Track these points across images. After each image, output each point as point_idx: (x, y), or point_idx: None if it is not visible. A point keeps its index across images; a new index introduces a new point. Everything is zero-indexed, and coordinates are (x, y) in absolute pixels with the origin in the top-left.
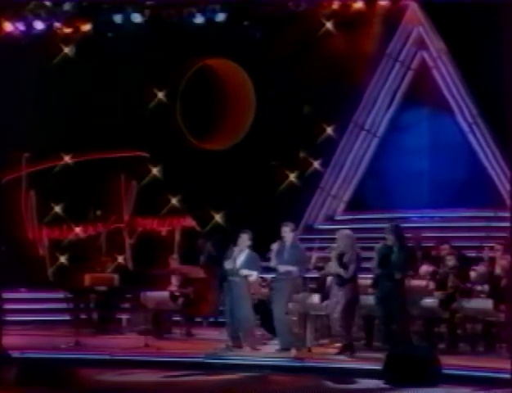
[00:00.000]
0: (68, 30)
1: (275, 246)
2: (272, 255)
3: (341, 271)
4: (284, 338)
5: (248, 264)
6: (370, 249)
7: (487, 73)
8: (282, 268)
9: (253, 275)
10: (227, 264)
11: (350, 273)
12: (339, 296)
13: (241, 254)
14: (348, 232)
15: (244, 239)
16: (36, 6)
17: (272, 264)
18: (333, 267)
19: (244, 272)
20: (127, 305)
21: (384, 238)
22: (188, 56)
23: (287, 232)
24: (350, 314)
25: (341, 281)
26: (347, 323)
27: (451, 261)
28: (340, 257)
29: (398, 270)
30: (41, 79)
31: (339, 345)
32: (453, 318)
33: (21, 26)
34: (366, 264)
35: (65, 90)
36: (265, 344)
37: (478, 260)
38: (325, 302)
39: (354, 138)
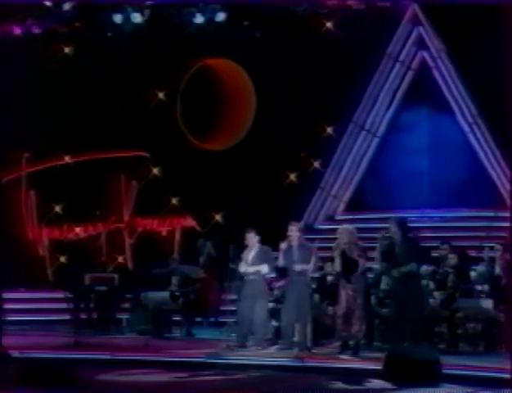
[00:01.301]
0: (68, 30)
1: (283, 245)
2: (280, 254)
3: (361, 262)
4: (287, 338)
5: (258, 259)
6: (371, 249)
7: (487, 73)
8: (298, 268)
9: (264, 268)
10: (241, 267)
11: (362, 266)
12: (349, 295)
13: (251, 252)
14: (349, 227)
15: (252, 237)
16: (36, 6)
17: (280, 263)
18: (337, 264)
19: (252, 268)
20: (127, 305)
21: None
22: (188, 56)
23: (293, 231)
24: (366, 310)
25: (350, 277)
26: (364, 320)
27: (453, 260)
28: (344, 253)
29: (400, 264)
30: (41, 79)
31: (338, 344)
32: (453, 317)
33: (22, 26)
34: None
35: (65, 90)
36: (271, 344)
37: (478, 260)
38: (326, 302)
39: (354, 138)
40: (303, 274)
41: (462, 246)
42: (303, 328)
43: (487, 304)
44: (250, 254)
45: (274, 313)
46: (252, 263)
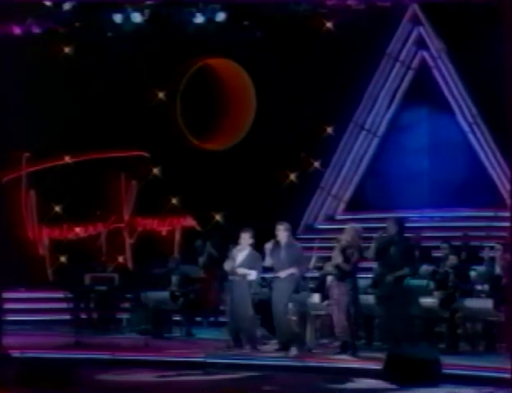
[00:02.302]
0: (68, 30)
1: (268, 245)
2: (266, 254)
3: (342, 264)
4: (283, 338)
5: (248, 263)
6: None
7: (487, 73)
8: (283, 274)
9: (252, 274)
10: (226, 265)
11: (351, 265)
12: (339, 293)
13: (242, 253)
14: (354, 225)
15: (246, 238)
16: (36, 6)
17: (266, 263)
18: (335, 259)
19: (241, 270)
20: (127, 305)
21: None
22: (188, 56)
23: (281, 230)
24: (353, 311)
25: (341, 275)
26: (351, 320)
27: (453, 260)
28: (344, 250)
29: (393, 266)
30: (41, 79)
31: (338, 344)
32: (453, 317)
33: (22, 26)
34: (366, 264)
35: (65, 90)
36: (265, 344)
37: (478, 260)
38: (326, 302)
39: (354, 138)
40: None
41: (463, 246)
42: (295, 326)
43: (487, 304)
44: (241, 255)
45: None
46: (241, 265)
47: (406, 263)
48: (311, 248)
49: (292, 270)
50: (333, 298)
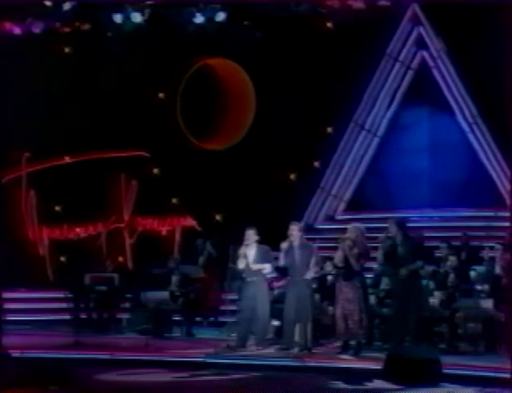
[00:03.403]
0: (68, 30)
1: (284, 245)
2: (281, 254)
3: (355, 263)
4: (288, 338)
5: (259, 258)
6: (372, 249)
7: (487, 73)
8: (309, 275)
9: (267, 268)
10: (240, 263)
11: (359, 264)
12: (352, 294)
13: (251, 250)
14: (357, 224)
15: (251, 235)
16: (36, 6)
17: (281, 263)
18: (340, 258)
19: (256, 266)
20: (127, 305)
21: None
22: (188, 56)
23: (295, 230)
24: (363, 310)
25: (348, 274)
26: (363, 319)
27: (453, 261)
28: (350, 249)
29: (404, 264)
30: (41, 79)
31: (339, 344)
32: (453, 317)
33: (22, 26)
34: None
35: (65, 90)
36: (272, 344)
37: (478, 260)
38: (328, 303)
39: (354, 138)
40: (303, 274)
41: (463, 246)
42: (304, 328)
43: (487, 304)
44: (251, 252)
45: (275, 313)
46: (254, 261)
47: (417, 258)
48: None
49: (315, 270)
50: (342, 297)
